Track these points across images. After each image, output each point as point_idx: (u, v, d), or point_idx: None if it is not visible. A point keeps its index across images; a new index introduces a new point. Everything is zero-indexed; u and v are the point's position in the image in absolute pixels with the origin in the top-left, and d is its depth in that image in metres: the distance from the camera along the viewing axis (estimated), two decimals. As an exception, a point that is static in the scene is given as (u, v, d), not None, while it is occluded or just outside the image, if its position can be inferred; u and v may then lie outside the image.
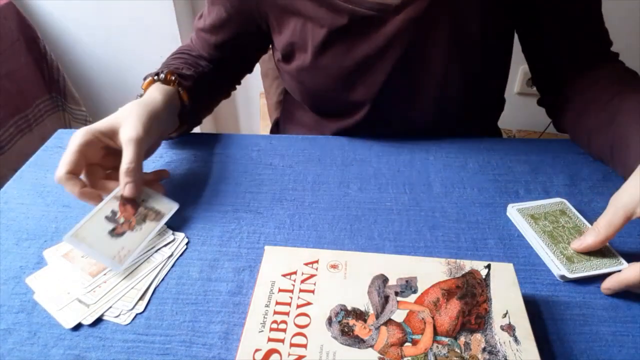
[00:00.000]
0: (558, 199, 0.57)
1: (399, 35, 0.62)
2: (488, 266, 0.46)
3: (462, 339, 0.41)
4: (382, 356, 0.39)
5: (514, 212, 0.56)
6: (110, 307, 0.46)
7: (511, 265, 0.47)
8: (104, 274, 0.49)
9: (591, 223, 0.54)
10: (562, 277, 0.48)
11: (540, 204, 0.57)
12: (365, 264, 0.47)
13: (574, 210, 0.56)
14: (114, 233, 0.51)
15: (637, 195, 0.45)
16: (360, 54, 0.64)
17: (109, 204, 0.53)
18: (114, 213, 0.52)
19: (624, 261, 0.49)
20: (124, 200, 0.53)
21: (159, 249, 0.52)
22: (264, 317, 0.42)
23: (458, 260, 0.47)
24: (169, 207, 0.55)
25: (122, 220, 0.52)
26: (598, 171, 0.63)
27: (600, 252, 0.49)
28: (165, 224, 0.54)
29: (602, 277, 0.47)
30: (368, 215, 0.57)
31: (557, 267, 0.48)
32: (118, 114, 0.56)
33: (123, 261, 0.49)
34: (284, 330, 0.41)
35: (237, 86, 0.83)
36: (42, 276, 0.50)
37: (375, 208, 0.58)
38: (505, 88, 0.78)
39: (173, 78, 0.64)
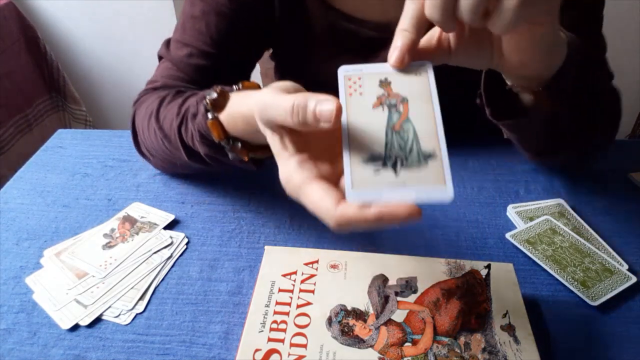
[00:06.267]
0: (556, 200, 0.58)
1: None
2: (488, 266, 0.46)
3: (462, 339, 0.41)
4: (382, 356, 0.39)
5: (513, 213, 0.56)
6: (109, 307, 0.46)
7: (511, 265, 0.47)
8: (92, 276, 0.49)
9: (589, 224, 0.55)
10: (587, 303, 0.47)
11: (539, 205, 0.57)
12: (365, 264, 0.47)
13: (571, 211, 0.56)
14: (107, 246, 0.52)
15: None
16: None
17: (110, 223, 0.55)
18: (112, 230, 0.54)
19: (632, 276, 0.48)
20: (124, 220, 0.55)
21: (157, 251, 0.52)
22: (264, 317, 0.42)
23: (458, 260, 0.47)
24: (164, 219, 0.56)
25: (117, 235, 0.54)
26: (598, 171, 0.63)
27: (608, 269, 0.49)
28: (164, 227, 0.55)
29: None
30: (368, 215, 0.57)
31: (579, 296, 0.47)
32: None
33: (108, 269, 0.50)
34: (284, 330, 0.41)
35: None
36: (42, 276, 0.50)
37: (375, 208, 0.58)
38: None
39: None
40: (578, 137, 0.53)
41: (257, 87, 0.47)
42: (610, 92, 0.56)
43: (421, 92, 0.35)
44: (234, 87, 0.47)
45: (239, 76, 0.64)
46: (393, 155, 0.33)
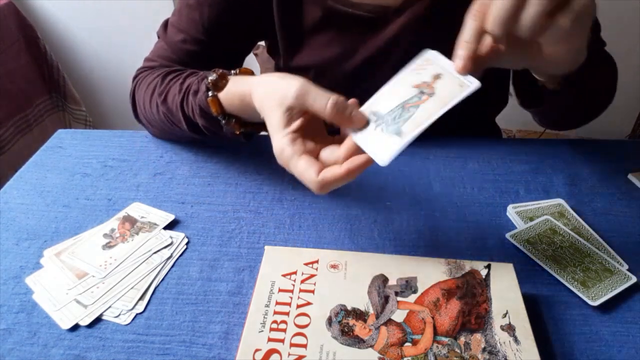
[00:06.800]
0: (557, 200, 0.58)
1: (400, 37, 0.61)
2: (488, 266, 0.46)
3: (462, 339, 0.41)
4: (382, 356, 0.39)
5: (513, 213, 0.56)
6: (109, 307, 0.46)
7: (511, 265, 0.47)
8: (92, 276, 0.49)
9: (589, 224, 0.55)
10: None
11: (539, 205, 0.57)
12: (365, 264, 0.47)
13: (571, 211, 0.56)
14: (107, 246, 0.52)
15: None
16: (361, 58, 0.64)
17: (110, 223, 0.55)
18: (112, 230, 0.54)
19: (632, 276, 0.48)
20: (124, 220, 0.55)
21: (157, 251, 0.52)
22: (264, 317, 0.42)
23: (458, 260, 0.47)
24: (164, 219, 0.56)
25: (117, 235, 0.54)
26: (598, 171, 0.63)
27: (608, 269, 0.49)
28: (164, 227, 0.55)
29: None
30: (368, 215, 0.57)
31: (579, 296, 0.47)
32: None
33: (108, 269, 0.49)
34: (284, 330, 0.41)
35: None
36: (42, 276, 0.49)
37: (375, 207, 0.58)
38: (509, 85, 0.77)
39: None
40: (587, 104, 0.64)
41: (251, 73, 0.54)
42: (607, 59, 0.65)
43: (445, 97, 0.41)
44: (232, 71, 0.54)
45: (232, 62, 0.70)
46: (384, 120, 0.42)
